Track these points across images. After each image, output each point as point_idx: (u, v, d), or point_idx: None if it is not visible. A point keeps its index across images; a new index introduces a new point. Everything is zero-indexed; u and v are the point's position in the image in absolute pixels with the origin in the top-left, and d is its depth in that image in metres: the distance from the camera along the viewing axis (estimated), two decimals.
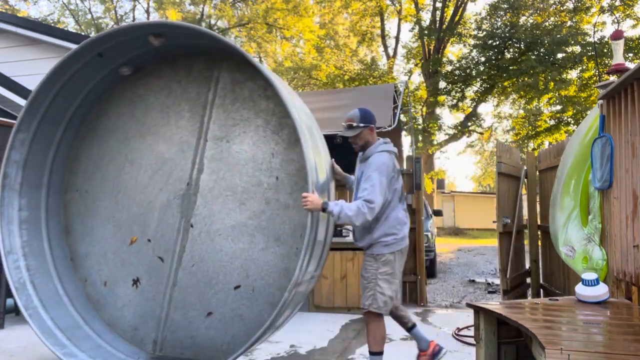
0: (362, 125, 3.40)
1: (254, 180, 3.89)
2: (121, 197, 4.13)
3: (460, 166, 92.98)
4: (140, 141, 4.16)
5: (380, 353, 3.37)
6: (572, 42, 16.54)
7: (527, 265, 6.47)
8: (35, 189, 4.06)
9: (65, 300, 4.01)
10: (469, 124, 21.13)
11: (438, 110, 21.40)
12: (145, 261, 4.04)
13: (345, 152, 5.67)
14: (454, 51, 22.63)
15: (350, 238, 5.70)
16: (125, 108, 4.22)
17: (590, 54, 15.97)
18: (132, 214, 4.08)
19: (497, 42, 18.32)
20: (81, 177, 4.24)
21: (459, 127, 21.02)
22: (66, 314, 3.94)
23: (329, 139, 5.90)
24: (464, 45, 20.67)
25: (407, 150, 21.90)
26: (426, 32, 20.26)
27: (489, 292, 7.75)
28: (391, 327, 5.07)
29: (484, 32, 18.79)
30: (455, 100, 20.45)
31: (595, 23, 18.31)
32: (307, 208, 3.05)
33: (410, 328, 3.70)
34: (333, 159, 3.79)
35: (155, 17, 24.46)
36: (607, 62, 15.11)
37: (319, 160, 3.46)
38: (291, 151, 3.87)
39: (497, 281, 8.22)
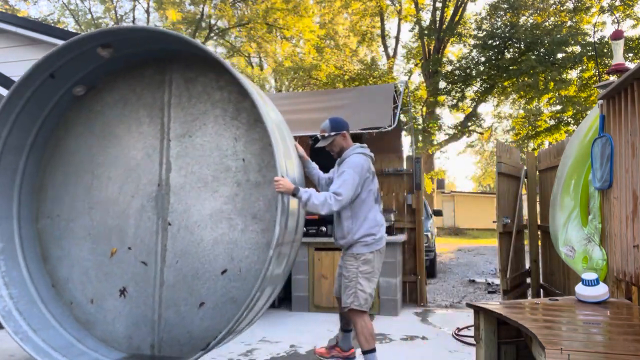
0: (333, 133, 3.63)
1: (222, 166, 4.05)
2: (94, 213, 4.17)
3: (460, 166, 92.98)
4: (104, 155, 4.22)
5: (374, 350, 3.44)
6: (572, 42, 16.53)
7: (527, 265, 6.47)
8: (5, 220, 4.06)
9: (54, 324, 4.02)
10: (469, 124, 21.13)
11: (438, 110, 21.40)
12: (129, 269, 4.07)
13: None
14: (454, 51, 22.63)
15: None
16: (82, 127, 4.26)
17: (590, 54, 15.96)
18: (108, 227, 4.12)
19: (497, 42, 18.31)
20: (50, 202, 4.25)
21: (459, 127, 21.01)
22: (57, 335, 3.96)
23: None
24: (464, 45, 20.67)
25: (407, 150, 21.92)
26: (426, 32, 20.25)
27: (489, 292, 7.75)
28: (391, 327, 5.07)
29: (484, 32, 18.78)
30: (455, 100, 20.44)
31: (595, 23, 18.32)
32: (279, 190, 3.23)
33: (347, 330, 3.87)
34: (297, 142, 3.94)
35: (155, 17, 24.46)
36: (607, 62, 15.11)
37: (285, 150, 3.64)
38: (252, 131, 4.05)
39: (497, 281, 8.22)
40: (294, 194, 3.30)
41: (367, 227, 3.52)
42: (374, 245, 3.53)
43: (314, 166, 3.96)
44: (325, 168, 4.09)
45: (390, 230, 5.98)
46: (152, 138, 4.18)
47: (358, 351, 3.77)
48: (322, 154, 4.38)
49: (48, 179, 4.29)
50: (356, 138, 5.91)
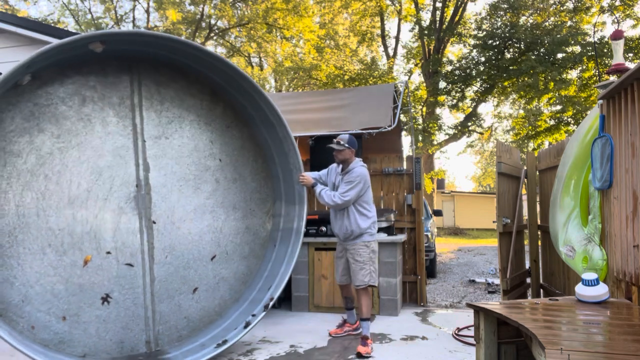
0: (347, 145, 4.45)
1: (202, 166, 4.45)
2: (54, 221, 3.70)
3: (460, 166, 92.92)
4: (62, 156, 3.78)
5: (369, 319, 4.42)
6: (572, 42, 16.52)
7: (527, 265, 6.47)
8: None
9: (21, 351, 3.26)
10: (469, 124, 21.11)
11: (438, 110, 21.38)
12: (111, 274, 3.91)
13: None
14: (454, 51, 22.63)
15: None
16: (27, 123, 3.67)
17: (590, 54, 15.96)
18: (76, 234, 3.78)
19: (497, 42, 18.31)
20: None
21: (459, 127, 21.00)
22: None
23: (329, 139, 5.93)
24: (464, 45, 20.66)
25: (407, 150, 21.92)
26: (426, 32, 20.24)
27: (489, 292, 7.75)
28: (391, 327, 5.07)
29: (484, 32, 18.77)
30: (455, 100, 20.44)
31: (595, 23, 18.32)
32: (303, 184, 4.54)
33: (351, 308, 4.86)
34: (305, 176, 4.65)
35: (155, 17, 24.46)
36: (607, 62, 15.11)
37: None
38: (225, 135, 4.64)
39: (497, 281, 8.22)
40: (313, 186, 4.50)
41: (370, 221, 4.48)
42: (374, 236, 4.53)
43: (321, 187, 4.62)
44: (321, 165, 5.14)
45: (390, 230, 5.98)
46: (123, 138, 4.04)
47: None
48: (320, 153, 5.32)
49: None
50: (356, 138, 5.94)
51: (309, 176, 4.54)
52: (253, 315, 4.30)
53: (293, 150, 4.61)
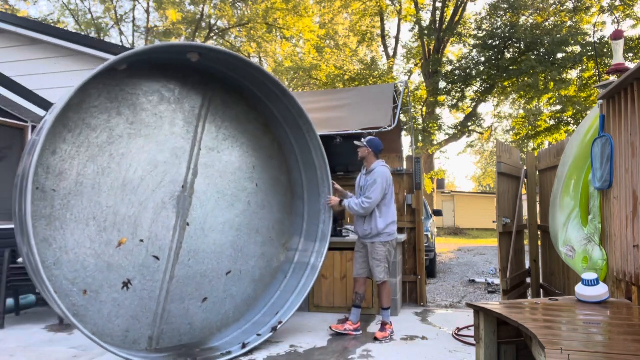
0: (364, 144, 4.79)
1: (240, 186, 4.75)
2: (105, 197, 3.89)
3: (460, 166, 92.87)
4: (130, 142, 4.05)
5: (389, 308, 4.79)
6: (572, 42, 16.52)
7: (527, 265, 6.47)
8: None
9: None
10: (469, 124, 21.12)
11: (438, 110, 21.39)
12: (138, 261, 4.04)
13: (342, 151, 5.83)
14: (454, 51, 22.63)
15: (349, 238, 5.71)
16: (110, 104, 3.99)
17: (590, 54, 15.96)
18: (120, 215, 3.95)
19: (497, 42, 18.30)
20: (45, 172, 3.67)
21: (459, 127, 21.00)
22: None
23: (329, 139, 5.93)
24: (464, 45, 20.66)
25: (407, 150, 21.91)
26: (426, 32, 20.24)
27: (489, 292, 7.75)
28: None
29: (484, 32, 18.77)
30: (455, 100, 20.43)
31: (595, 23, 18.32)
32: (330, 205, 4.92)
33: (358, 306, 4.88)
34: (333, 182, 5.00)
35: (155, 17, 24.45)
36: (607, 62, 15.11)
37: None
38: (267, 165, 4.99)
39: (497, 281, 8.22)
40: (341, 203, 4.84)
41: (386, 222, 4.72)
42: (392, 236, 4.76)
43: (350, 195, 5.08)
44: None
45: None
46: (183, 141, 4.37)
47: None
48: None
49: (49, 144, 3.71)
50: (356, 138, 5.94)
51: (335, 198, 4.91)
52: (259, 335, 4.37)
53: (328, 193, 4.95)
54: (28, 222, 3.07)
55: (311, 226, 5.09)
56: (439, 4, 20.76)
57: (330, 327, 4.82)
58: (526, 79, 17.23)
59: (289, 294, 4.81)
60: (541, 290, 6.16)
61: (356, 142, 4.84)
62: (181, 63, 4.24)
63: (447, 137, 21.50)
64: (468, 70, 19.05)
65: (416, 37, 21.19)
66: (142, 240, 4.06)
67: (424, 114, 20.53)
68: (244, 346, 4.18)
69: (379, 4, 22.02)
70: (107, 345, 3.45)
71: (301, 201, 5.18)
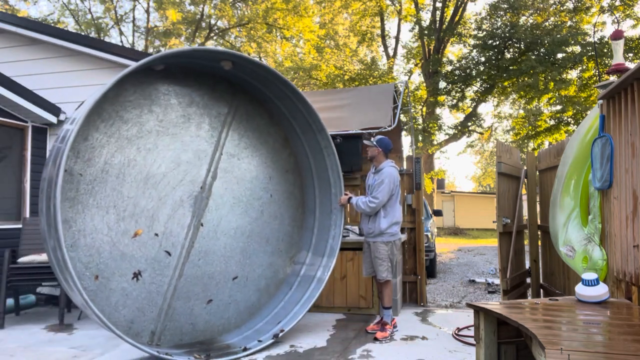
0: (374, 143, 4.81)
1: (255, 195, 4.87)
2: (127, 188, 4.06)
3: (460, 166, 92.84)
4: (157, 138, 4.27)
5: (391, 307, 4.83)
6: (572, 42, 16.53)
7: (527, 265, 6.47)
8: None
9: None
10: (469, 124, 21.12)
11: (438, 110, 21.39)
12: (150, 254, 4.14)
13: (343, 151, 5.84)
14: (454, 51, 22.63)
15: (349, 238, 5.71)
16: (143, 100, 4.25)
17: (590, 54, 15.96)
18: (140, 206, 4.11)
19: (497, 42, 18.31)
20: (74, 155, 3.86)
21: (459, 127, 21.00)
22: None
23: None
24: (464, 45, 20.67)
25: (407, 150, 21.92)
26: (426, 32, 20.24)
27: (489, 292, 7.75)
28: None
29: (484, 32, 18.77)
30: (455, 100, 20.44)
31: (595, 23, 18.32)
32: (340, 204, 4.95)
33: (387, 307, 4.86)
34: (347, 193, 5.00)
35: (155, 17, 24.45)
36: (607, 62, 15.11)
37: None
38: (282, 178, 5.11)
39: (497, 281, 8.22)
40: (349, 201, 4.86)
41: (389, 222, 4.73)
42: (395, 236, 4.80)
43: (355, 198, 5.02)
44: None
45: None
46: (206, 144, 4.55)
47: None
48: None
49: (88, 134, 3.95)
50: (356, 138, 5.91)
51: (344, 197, 4.93)
52: (259, 341, 4.36)
53: (339, 214, 5.01)
54: (57, 207, 3.24)
55: (320, 241, 5.11)
56: (439, 4, 20.76)
57: (376, 338, 4.58)
58: (526, 79, 17.24)
59: (292, 305, 4.82)
60: (541, 290, 6.16)
61: (365, 142, 4.85)
62: (212, 70, 4.50)
63: (447, 137, 21.51)
64: (468, 70, 19.05)
65: (416, 37, 21.19)
66: (157, 234, 4.17)
67: (424, 114, 20.53)
68: (244, 350, 4.18)
69: (379, 4, 22.02)
70: (145, 347, 3.60)
71: (312, 216, 5.23)
